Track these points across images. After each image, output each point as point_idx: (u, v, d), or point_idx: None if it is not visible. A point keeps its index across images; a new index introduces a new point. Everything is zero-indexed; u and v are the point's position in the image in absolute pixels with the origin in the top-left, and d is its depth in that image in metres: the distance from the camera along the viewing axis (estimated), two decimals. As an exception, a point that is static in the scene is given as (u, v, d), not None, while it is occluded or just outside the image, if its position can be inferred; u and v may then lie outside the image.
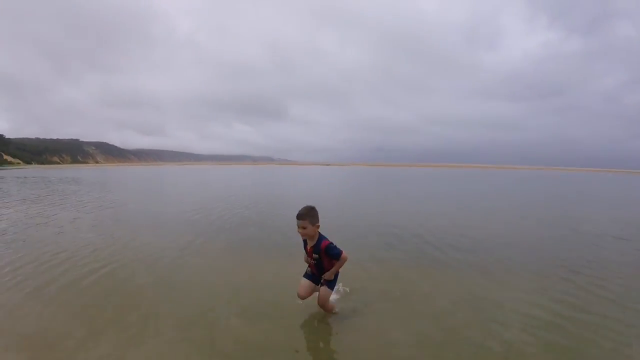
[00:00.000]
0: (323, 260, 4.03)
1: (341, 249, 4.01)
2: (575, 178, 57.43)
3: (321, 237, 4.04)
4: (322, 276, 4.07)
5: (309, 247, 4.10)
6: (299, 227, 3.94)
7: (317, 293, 4.16)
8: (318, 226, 3.98)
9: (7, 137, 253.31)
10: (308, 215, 3.90)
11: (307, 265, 4.29)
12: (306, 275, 4.25)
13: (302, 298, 4.19)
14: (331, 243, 4.01)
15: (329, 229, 9.51)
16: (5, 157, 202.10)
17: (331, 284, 4.09)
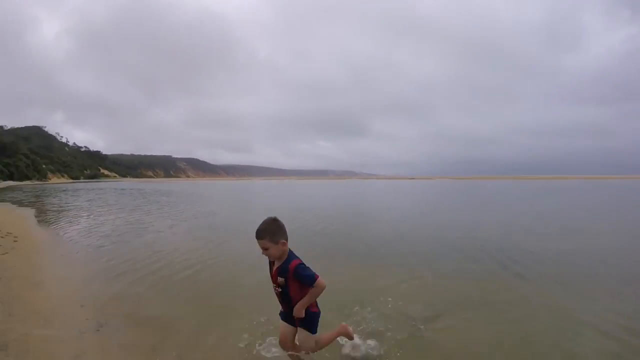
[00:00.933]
0: (290, 287, 3.23)
1: (316, 273, 3.22)
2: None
3: (291, 256, 3.28)
4: (293, 313, 3.26)
5: (274, 269, 3.31)
6: (261, 249, 3.23)
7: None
8: (284, 243, 3.20)
9: (103, 153, 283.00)
10: (267, 232, 3.17)
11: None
12: (282, 315, 3.50)
13: (285, 348, 3.49)
14: (302, 262, 3.25)
15: (417, 241, 9.84)
16: (102, 170, 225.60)
17: (308, 324, 3.32)
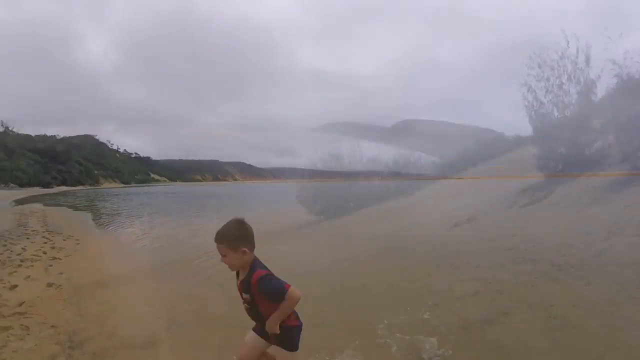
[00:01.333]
0: (258, 304, 2.69)
1: (286, 283, 2.68)
2: None
3: (255, 266, 2.72)
4: (266, 329, 2.72)
5: (238, 282, 2.79)
6: (220, 254, 2.74)
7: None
8: (244, 252, 2.65)
9: (153, 158, 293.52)
10: (226, 236, 2.66)
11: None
12: (255, 328, 2.92)
13: None
14: (268, 274, 2.69)
15: (469, 241, 9.45)
16: (152, 175, 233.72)
17: (285, 341, 2.75)
